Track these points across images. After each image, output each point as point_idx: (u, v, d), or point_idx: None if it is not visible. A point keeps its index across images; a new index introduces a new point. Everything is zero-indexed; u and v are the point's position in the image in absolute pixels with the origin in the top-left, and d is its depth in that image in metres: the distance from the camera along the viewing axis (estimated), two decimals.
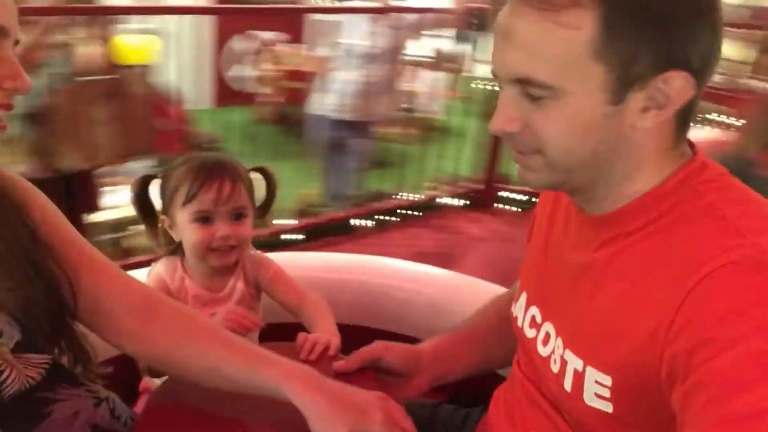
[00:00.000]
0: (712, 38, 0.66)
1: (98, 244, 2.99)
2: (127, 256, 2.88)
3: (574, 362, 0.75)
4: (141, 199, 1.17)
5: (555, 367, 0.79)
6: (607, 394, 0.70)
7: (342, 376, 0.95)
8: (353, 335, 1.14)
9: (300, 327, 1.14)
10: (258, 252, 1.25)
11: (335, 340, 1.05)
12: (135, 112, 2.68)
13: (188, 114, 4.23)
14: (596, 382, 0.71)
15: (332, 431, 0.74)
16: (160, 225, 1.17)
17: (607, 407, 0.71)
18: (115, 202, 3.14)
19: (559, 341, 0.79)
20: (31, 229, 0.79)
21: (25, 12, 2.34)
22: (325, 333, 1.07)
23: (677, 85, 0.65)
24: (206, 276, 1.17)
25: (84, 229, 2.77)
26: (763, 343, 0.56)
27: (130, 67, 2.68)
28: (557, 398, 0.80)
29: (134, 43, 4.19)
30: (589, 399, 0.72)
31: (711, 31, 0.65)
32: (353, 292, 1.48)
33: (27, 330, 0.76)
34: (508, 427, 0.91)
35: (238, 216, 1.13)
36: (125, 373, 1.11)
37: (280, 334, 1.12)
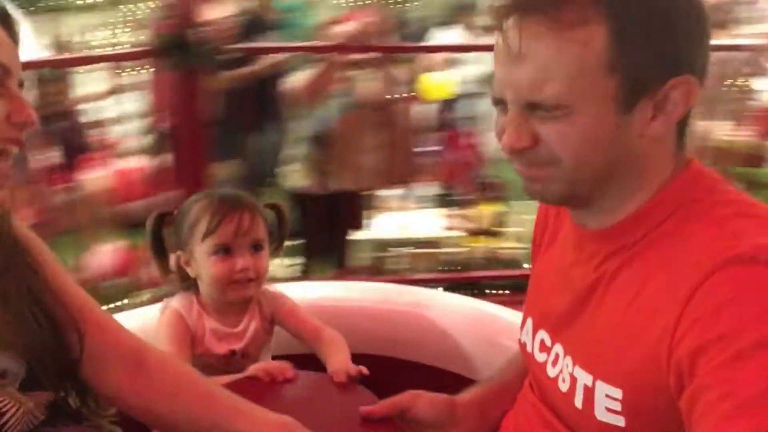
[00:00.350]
0: (707, 43, 0.68)
1: (359, 260, 3.29)
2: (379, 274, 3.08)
3: (584, 378, 0.74)
4: (156, 235, 1.17)
5: (564, 386, 0.78)
6: (618, 407, 0.69)
7: (365, 421, 0.96)
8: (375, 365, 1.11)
9: (311, 357, 1.15)
10: (272, 286, 1.24)
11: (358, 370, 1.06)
12: (401, 142, 2.87)
13: (479, 147, 4.34)
14: (607, 395, 0.70)
15: None
16: (175, 261, 1.17)
17: (619, 421, 0.70)
18: (379, 223, 3.39)
19: (568, 359, 0.78)
20: (37, 272, 0.82)
21: (316, 50, 2.72)
22: (338, 365, 1.08)
23: (684, 90, 0.66)
24: (222, 311, 1.16)
25: (346, 244, 3.07)
26: (764, 339, 0.57)
27: (399, 100, 2.87)
28: (570, 417, 0.78)
29: (436, 80, 4.49)
30: (601, 414, 0.71)
31: (707, 36, 0.68)
32: (370, 319, 1.41)
33: (32, 369, 0.77)
34: None
35: (256, 248, 1.13)
36: None
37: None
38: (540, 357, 0.86)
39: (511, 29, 0.67)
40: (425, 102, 3.93)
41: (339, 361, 1.10)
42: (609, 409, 0.70)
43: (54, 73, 3.52)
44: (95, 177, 3.51)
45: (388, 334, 1.39)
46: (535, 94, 0.67)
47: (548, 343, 0.85)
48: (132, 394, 0.87)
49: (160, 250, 1.19)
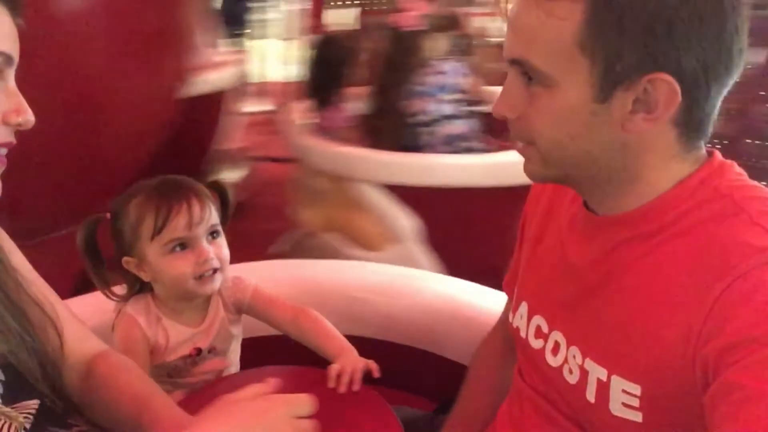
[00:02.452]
0: (715, 44, 0.63)
1: None
2: None
3: (597, 372, 0.72)
4: (90, 243, 1.04)
5: (572, 378, 0.76)
6: (635, 403, 0.68)
7: (355, 403, 0.94)
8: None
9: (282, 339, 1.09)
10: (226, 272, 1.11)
11: (363, 366, 0.98)
12: None
13: None
14: (623, 391, 0.69)
15: None
16: (124, 267, 1.05)
17: (636, 416, 0.68)
18: None
19: (575, 350, 0.76)
20: (7, 269, 0.76)
21: None
22: (345, 356, 1.00)
23: (663, 89, 0.64)
24: (183, 311, 1.07)
25: None
26: None
27: None
28: (576, 410, 0.77)
29: None
30: (616, 409, 0.70)
31: (715, 38, 0.63)
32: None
33: (15, 377, 0.72)
34: None
35: (213, 235, 1.03)
36: None
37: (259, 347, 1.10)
38: (536, 343, 0.84)
39: None
40: None
41: (340, 347, 1.02)
42: (626, 405, 0.69)
43: None
44: None
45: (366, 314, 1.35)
46: (517, 53, 0.68)
47: (545, 329, 0.83)
48: (82, 397, 0.84)
49: (96, 260, 1.05)
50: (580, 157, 0.70)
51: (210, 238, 1.02)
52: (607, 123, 0.67)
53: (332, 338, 1.04)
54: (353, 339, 1.06)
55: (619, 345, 0.70)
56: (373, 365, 0.98)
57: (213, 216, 1.03)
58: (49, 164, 1.58)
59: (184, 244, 1.00)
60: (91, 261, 1.04)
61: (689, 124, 0.68)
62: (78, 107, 1.54)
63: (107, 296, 1.07)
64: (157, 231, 0.99)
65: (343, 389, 0.95)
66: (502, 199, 2.23)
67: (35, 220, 1.70)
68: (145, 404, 0.83)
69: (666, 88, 0.64)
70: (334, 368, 0.97)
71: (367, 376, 0.99)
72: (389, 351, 1.33)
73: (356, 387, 0.96)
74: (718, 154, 0.72)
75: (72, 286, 1.52)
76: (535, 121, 0.70)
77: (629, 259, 0.71)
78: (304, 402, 0.65)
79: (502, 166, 2.25)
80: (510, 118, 0.72)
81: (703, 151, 0.72)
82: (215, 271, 1.02)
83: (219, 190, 1.09)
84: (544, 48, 0.66)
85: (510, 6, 0.72)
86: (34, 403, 0.74)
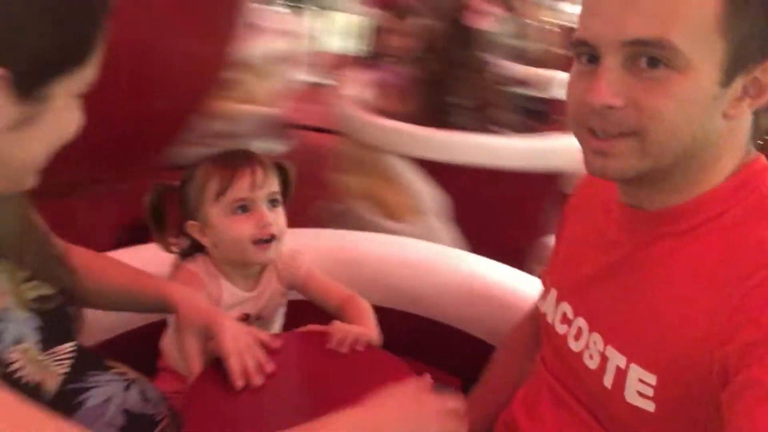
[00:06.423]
0: None
1: None
2: None
3: (617, 359, 0.72)
4: (156, 207, 1.09)
5: (591, 363, 0.77)
6: (650, 392, 0.68)
7: (376, 367, 0.95)
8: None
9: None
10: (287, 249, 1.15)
11: (368, 335, 1.00)
12: None
13: None
14: (640, 380, 0.69)
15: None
16: (186, 232, 1.10)
17: (649, 406, 0.69)
18: None
19: (597, 337, 0.77)
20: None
21: None
22: (362, 328, 1.01)
23: None
24: (239, 275, 1.11)
25: None
26: None
27: None
28: (592, 395, 0.78)
29: None
30: (631, 397, 0.70)
31: None
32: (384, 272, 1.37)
33: (48, 322, 0.75)
34: (530, 428, 0.88)
35: (273, 203, 1.07)
36: (142, 348, 1.13)
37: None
38: (561, 329, 0.85)
39: None
40: None
41: (365, 326, 1.03)
42: (640, 393, 0.70)
43: None
44: None
45: (400, 287, 1.37)
46: (652, 33, 0.62)
47: (570, 315, 0.84)
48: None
49: (160, 223, 1.10)
50: (686, 144, 0.67)
51: (270, 205, 1.06)
52: (719, 108, 0.66)
53: (362, 321, 1.05)
54: (385, 310, 1.09)
55: (640, 334, 0.71)
56: (373, 337, 1.00)
57: (274, 184, 1.07)
58: (97, 119, 1.62)
59: (245, 207, 1.04)
60: (155, 224, 1.10)
61: (763, 115, 0.70)
62: (129, 64, 1.57)
63: (169, 250, 1.13)
64: (222, 191, 1.03)
65: (334, 345, 0.97)
66: (530, 184, 2.23)
67: (79, 174, 1.75)
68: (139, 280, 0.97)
69: None
70: (337, 325, 1.01)
71: (394, 347, 1.00)
72: (419, 324, 1.36)
73: (343, 349, 0.97)
74: (763, 157, 0.72)
75: (114, 239, 1.58)
76: (655, 106, 0.65)
77: (663, 252, 0.71)
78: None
79: (534, 150, 2.23)
80: (616, 106, 0.66)
81: (753, 147, 0.72)
82: (272, 238, 1.05)
83: (281, 169, 1.12)
84: (685, 28, 0.62)
85: None
86: (70, 347, 0.78)
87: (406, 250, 1.45)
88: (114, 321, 1.16)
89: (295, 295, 1.18)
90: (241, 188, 1.03)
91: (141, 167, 1.97)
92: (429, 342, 1.35)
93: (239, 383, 0.87)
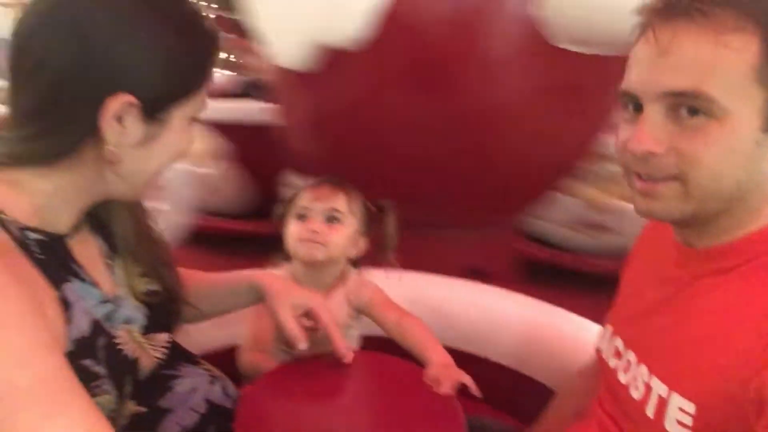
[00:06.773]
0: None
1: None
2: None
3: (659, 388, 0.74)
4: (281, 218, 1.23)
5: (637, 394, 0.79)
6: (689, 421, 0.70)
7: (427, 399, 0.93)
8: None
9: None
10: (362, 273, 1.24)
11: (458, 378, 0.97)
12: None
13: None
14: (680, 409, 0.71)
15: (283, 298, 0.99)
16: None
17: None
18: None
19: (643, 368, 0.79)
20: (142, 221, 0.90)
21: None
22: (440, 361, 1.02)
23: None
24: (311, 285, 1.16)
25: None
26: None
27: None
28: (637, 426, 0.79)
29: None
30: (671, 426, 0.72)
31: None
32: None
33: (153, 312, 0.85)
34: None
35: (331, 219, 1.16)
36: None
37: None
38: (612, 363, 0.88)
39: (663, 26, 0.68)
40: None
41: (438, 355, 1.04)
42: (680, 423, 0.71)
43: None
44: None
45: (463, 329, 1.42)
46: (688, 84, 0.66)
47: (621, 349, 0.86)
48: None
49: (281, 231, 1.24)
50: (731, 188, 0.69)
51: (326, 219, 1.17)
52: (764, 153, 0.68)
53: (433, 345, 1.07)
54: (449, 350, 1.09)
55: (682, 364, 0.73)
56: (469, 381, 0.97)
57: (338, 203, 1.17)
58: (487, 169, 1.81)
59: (303, 215, 1.18)
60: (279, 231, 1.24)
61: None
62: (493, 134, 1.72)
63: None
64: (292, 200, 1.20)
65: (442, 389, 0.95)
66: None
67: (447, 214, 1.98)
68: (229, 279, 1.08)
69: None
70: (430, 373, 0.98)
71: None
72: (481, 367, 1.39)
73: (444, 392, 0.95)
74: None
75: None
76: (696, 153, 0.68)
77: (708, 287, 0.74)
78: None
79: None
80: (657, 153, 0.70)
81: None
82: (318, 243, 1.15)
83: (380, 209, 1.25)
84: (721, 79, 0.65)
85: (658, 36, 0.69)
86: (166, 337, 0.88)
87: (474, 295, 1.52)
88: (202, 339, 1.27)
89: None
90: (302, 198, 1.18)
91: (494, 222, 2.15)
92: (489, 383, 1.37)
93: (348, 356, 0.99)
